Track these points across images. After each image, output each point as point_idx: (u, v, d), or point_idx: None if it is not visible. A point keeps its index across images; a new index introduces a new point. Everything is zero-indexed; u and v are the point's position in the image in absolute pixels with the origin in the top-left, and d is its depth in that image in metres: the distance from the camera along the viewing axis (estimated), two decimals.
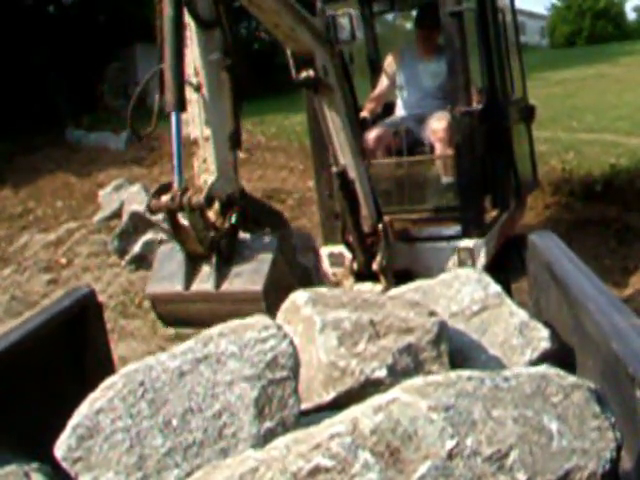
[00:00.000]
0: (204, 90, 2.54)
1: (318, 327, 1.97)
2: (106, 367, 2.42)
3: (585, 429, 1.38)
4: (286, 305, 2.22)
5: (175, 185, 2.40)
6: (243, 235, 2.55)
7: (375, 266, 3.96)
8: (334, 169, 3.68)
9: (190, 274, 2.49)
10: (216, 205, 2.45)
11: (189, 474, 1.55)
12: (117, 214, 7.70)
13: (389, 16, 6.48)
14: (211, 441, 1.60)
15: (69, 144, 13.45)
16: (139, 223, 6.53)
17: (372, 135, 4.66)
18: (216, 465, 1.51)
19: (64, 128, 14.17)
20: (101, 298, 3.11)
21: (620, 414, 1.50)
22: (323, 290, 2.28)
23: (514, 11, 5.54)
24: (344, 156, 3.74)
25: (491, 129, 4.64)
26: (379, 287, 3.86)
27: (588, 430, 1.38)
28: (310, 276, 2.93)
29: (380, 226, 4.00)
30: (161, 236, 6.30)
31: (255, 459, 1.39)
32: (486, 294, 2.28)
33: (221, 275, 2.46)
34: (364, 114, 4.81)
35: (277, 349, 1.69)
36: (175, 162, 2.47)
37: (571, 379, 1.48)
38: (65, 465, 1.59)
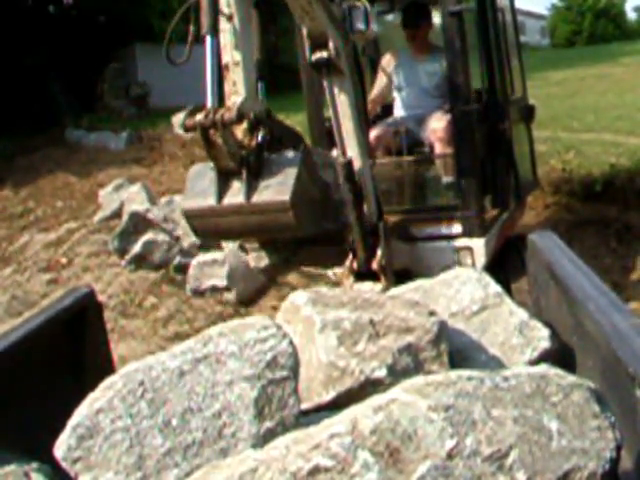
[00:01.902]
0: (235, 20, 2.77)
1: (318, 327, 1.97)
2: (106, 367, 2.42)
3: (585, 429, 1.38)
4: (286, 305, 2.22)
5: (208, 104, 2.61)
6: (268, 153, 2.72)
7: (375, 265, 3.94)
8: (340, 160, 3.65)
9: (222, 189, 2.66)
10: (244, 124, 2.62)
11: (189, 474, 1.55)
12: (117, 214, 7.70)
13: (390, 16, 6.48)
14: (211, 441, 1.60)
15: (69, 144, 13.44)
16: (139, 223, 6.53)
17: (371, 135, 4.66)
18: (216, 465, 1.51)
19: (64, 128, 14.16)
20: (101, 298, 3.11)
21: (620, 414, 1.50)
22: (323, 290, 2.28)
23: (514, 11, 5.54)
24: (351, 147, 3.73)
25: (491, 129, 4.64)
26: (379, 286, 3.85)
27: (588, 430, 1.38)
28: (329, 191, 3.04)
29: (381, 225, 3.99)
30: (161, 236, 6.31)
31: (255, 459, 1.39)
32: (486, 294, 2.28)
33: (251, 188, 2.62)
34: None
35: (277, 349, 1.69)
36: (209, 84, 2.71)
37: (571, 379, 1.48)
38: (65, 465, 1.59)
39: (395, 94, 4.94)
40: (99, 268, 6.61)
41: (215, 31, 2.73)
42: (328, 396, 1.90)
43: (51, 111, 14.97)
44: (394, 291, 2.46)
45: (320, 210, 2.86)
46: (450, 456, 1.32)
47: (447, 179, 4.54)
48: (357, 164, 3.72)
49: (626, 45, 25.46)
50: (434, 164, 4.54)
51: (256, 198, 2.61)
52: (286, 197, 2.56)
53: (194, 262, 5.88)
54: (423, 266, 4.34)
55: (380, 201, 4.06)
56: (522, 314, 2.22)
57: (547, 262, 2.41)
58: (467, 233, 4.30)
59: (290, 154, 2.69)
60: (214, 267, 5.74)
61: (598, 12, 37.04)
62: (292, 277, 6.04)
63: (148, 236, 6.31)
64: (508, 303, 2.26)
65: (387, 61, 4.95)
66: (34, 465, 1.77)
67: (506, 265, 4.46)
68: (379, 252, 3.94)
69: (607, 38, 33.56)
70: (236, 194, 2.64)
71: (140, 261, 6.26)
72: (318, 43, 3.47)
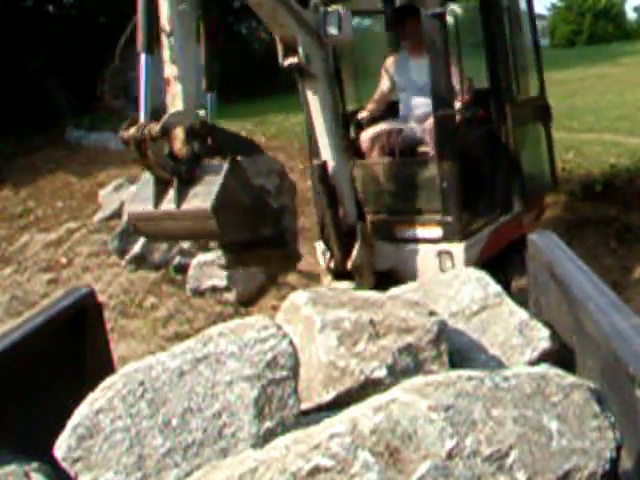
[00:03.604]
0: (174, 36, 2.94)
1: (318, 327, 1.97)
2: (106, 367, 2.42)
3: (585, 429, 1.38)
4: (286, 305, 2.22)
5: (141, 118, 2.84)
6: (207, 161, 2.92)
7: (349, 265, 4.01)
8: (315, 162, 3.80)
9: (158, 196, 2.86)
10: (181, 135, 2.81)
11: (189, 474, 1.55)
12: (117, 214, 7.69)
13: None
14: (211, 441, 1.60)
15: (69, 144, 13.42)
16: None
17: (367, 135, 4.68)
18: (216, 465, 1.51)
19: (64, 128, 14.15)
20: (101, 298, 3.11)
21: (620, 414, 1.50)
22: (323, 290, 2.28)
23: (531, 11, 5.36)
24: (325, 150, 3.82)
25: (490, 130, 4.61)
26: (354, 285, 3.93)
27: (588, 430, 1.38)
28: (267, 198, 3.19)
29: (358, 226, 4.02)
30: None
31: (255, 459, 1.39)
32: (486, 294, 2.28)
33: (181, 196, 2.81)
34: (363, 115, 4.81)
35: (277, 349, 1.69)
36: (142, 99, 2.91)
37: (571, 379, 1.48)
38: (65, 465, 1.59)
39: (398, 94, 4.96)
40: (99, 268, 6.61)
41: (149, 49, 2.94)
42: (328, 396, 1.89)
43: (51, 111, 14.96)
44: (394, 291, 2.46)
45: (253, 216, 3.01)
46: (450, 456, 1.32)
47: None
48: (332, 167, 3.81)
49: (626, 45, 25.48)
50: (425, 165, 4.46)
51: (185, 205, 2.80)
52: (208, 205, 2.73)
53: (194, 262, 5.88)
54: (407, 268, 4.37)
55: (361, 202, 4.14)
56: (522, 314, 2.22)
57: (547, 262, 2.41)
58: (447, 238, 4.26)
59: (218, 164, 2.86)
60: (214, 267, 5.74)
61: (598, 12, 37.05)
62: (292, 277, 6.04)
63: None
64: (508, 303, 2.26)
65: (389, 62, 4.96)
66: (34, 465, 1.77)
67: (506, 265, 4.45)
68: (354, 253, 3.97)
69: (607, 38, 33.56)
70: (169, 201, 2.84)
71: (140, 261, 6.26)
72: (289, 48, 3.58)
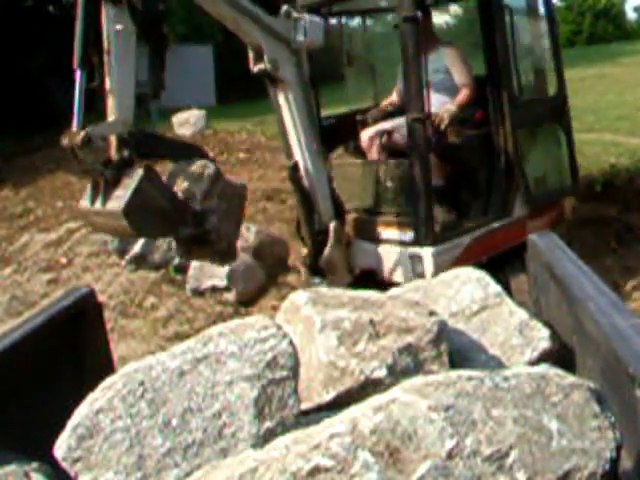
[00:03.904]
0: (111, 53, 3.25)
1: (318, 327, 1.97)
2: (106, 367, 2.42)
3: (585, 429, 1.38)
4: (286, 305, 2.22)
5: (73, 127, 3.25)
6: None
7: (320, 262, 4.13)
8: (288, 163, 4.00)
9: (94, 195, 3.22)
10: (114, 143, 3.25)
11: (189, 474, 1.55)
12: None
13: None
14: (211, 441, 1.60)
15: None
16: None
17: (367, 135, 4.70)
18: (216, 465, 1.51)
19: (64, 128, 14.14)
20: (101, 298, 3.12)
21: (620, 414, 1.50)
22: (323, 290, 2.28)
23: (550, 10, 5.17)
24: (297, 151, 3.98)
25: (487, 133, 4.53)
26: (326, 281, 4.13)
27: (588, 430, 1.38)
28: (184, 200, 3.47)
29: (332, 225, 4.09)
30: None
31: (255, 459, 1.39)
32: (486, 294, 2.28)
33: (106, 197, 3.16)
34: (374, 112, 4.81)
35: (277, 349, 1.69)
36: (75, 109, 3.30)
37: (571, 379, 1.48)
38: (65, 465, 1.59)
39: None
40: (99, 268, 6.61)
41: (83, 65, 3.24)
42: (328, 396, 1.89)
43: (51, 111, 14.95)
44: (394, 291, 2.46)
45: (171, 217, 3.33)
46: (450, 456, 1.32)
47: (436, 182, 4.53)
48: (304, 168, 3.98)
49: (626, 45, 25.47)
50: (399, 167, 4.45)
51: (107, 205, 3.16)
52: (120, 207, 3.09)
53: (194, 262, 5.88)
54: (385, 268, 4.42)
55: (339, 202, 4.22)
56: (522, 314, 2.22)
57: (547, 262, 2.41)
58: (417, 241, 4.27)
59: (133, 170, 3.20)
60: (214, 267, 5.74)
61: (598, 12, 37.03)
62: (292, 277, 6.04)
63: None
64: (508, 303, 2.26)
65: None
66: (34, 465, 1.77)
67: (506, 265, 4.44)
68: (325, 251, 4.10)
69: (607, 38, 33.54)
70: (99, 200, 3.20)
71: (140, 261, 6.26)
72: (259, 54, 3.77)
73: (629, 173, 7.13)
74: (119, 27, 3.25)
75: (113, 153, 3.22)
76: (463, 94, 4.55)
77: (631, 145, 8.25)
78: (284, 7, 3.86)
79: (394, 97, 5.06)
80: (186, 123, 11.14)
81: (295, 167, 4.02)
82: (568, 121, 5.15)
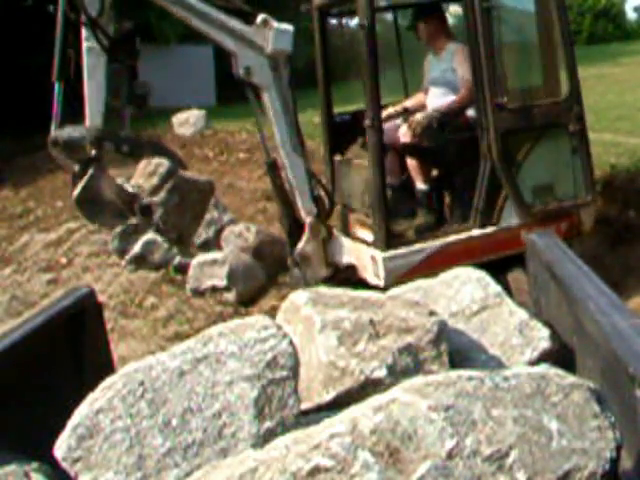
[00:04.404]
0: (85, 67, 3.98)
1: (318, 327, 1.97)
2: (106, 367, 2.42)
3: (585, 429, 1.38)
4: (286, 305, 2.22)
5: (51, 131, 4.07)
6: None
7: (294, 254, 4.37)
8: (266, 160, 4.34)
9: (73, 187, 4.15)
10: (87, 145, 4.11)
11: (189, 474, 1.55)
12: None
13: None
14: (211, 441, 1.59)
15: None
16: (139, 223, 6.52)
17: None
18: (216, 465, 1.51)
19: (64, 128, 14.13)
20: (101, 298, 3.12)
21: (620, 414, 1.50)
22: (323, 290, 2.28)
23: (561, 8, 4.72)
24: (277, 148, 4.27)
25: (470, 138, 4.41)
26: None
27: (588, 430, 1.38)
28: (132, 193, 4.37)
29: (309, 220, 4.22)
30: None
31: (255, 459, 1.39)
32: (486, 294, 2.28)
33: (74, 188, 4.02)
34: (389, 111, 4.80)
35: (277, 349, 1.69)
36: (54, 115, 4.06)
37: (571, 379, 1.48)
38: (65, 465, 1.59)
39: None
40: (99, 268, 6.61)
41: (61, 77, 4.10)
42: (328, 396, 1.89)
43: (51, 111, 14.96)
44: (394, 291, 2.46)
45: (120, 208, 4.06)
46: (450, 456, 1.32)
47: (420, 187, 4.54)
48: (283, 164, 4.27)
49: (626, 45, 25.46)
50: (365, 168, 4.47)
51: (72, 196, 4.09)
52: (74, 197, 4.03)
53: (194, 262, 5.87)
54: (360, 265, 4.53)
55: (327, 197, 4.44)
56: (522, 314, 2.22)
57: (547, 262, 2.41)
58: (374, 243, 4.34)
59: (90, 168, 3.99)
60: (214, 267, 5.74)
61: (598, 12, 37.01)
62: None
63: (148, 236, 6.30)
64: (508, 303, 2.26)
65: (426, 59, 5.04)
66: (34, 465, 1.77)
67: (506, 265, 4.41)
68: (299, 245, 4.33)
69: (607, 38, 33.52)
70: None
71: (140, 261, 6.25)
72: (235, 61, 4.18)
73: (629, 173, 7.13)
74: (89, 44, 3.95)
75: (87, 152, 4.02)
76: (460, 95, 4.53)
77: (631, 145, 8.24)
78: (261, 16, 4.16)
79: (414, 96, 5.10)
80: (186, 123, 11.13)
81: (273, 164, 4.32)
82: (581, 127, 4.77)
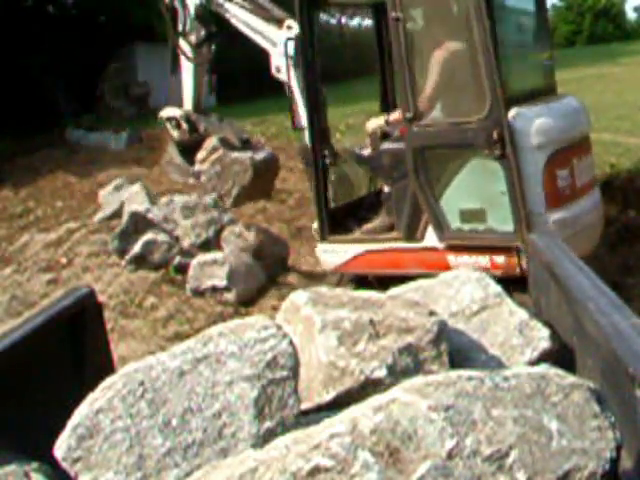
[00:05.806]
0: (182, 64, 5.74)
1: (318, 327, 1.97)
2: (106, 367, 2.42)
3: (585, 429, 1.38)
4: (286, 305, 2.22)
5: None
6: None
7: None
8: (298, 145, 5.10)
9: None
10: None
11: (189, 474, 1.55)
12: (117, 214, 7.69)
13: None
14: (211, 441, 1.60)
15: (69, 144, 13.43)
16: (139, 223, 6.53)
17: (369, 127, 4.90)
18: (216, 465, 1.51)
19: (64, 128, 14.16)
20: (101, 298, 3.11)
21: (620, 414, 1.50)
22: (323, 290, 2.28)
23: (549, 10, 4.41)
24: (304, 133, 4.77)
25: (394, 149, 4.44)
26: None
27: (588, 430, 1.38)
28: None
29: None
30: (161, 236, 6.31)
31: (255, 459, 1.39)
32: (486, 294, 2.28)
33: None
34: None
35: (277, 349, 1.69)
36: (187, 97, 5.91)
37: (571, 379, 1.48)
38: (65, 465, 1.59)
39: None
40: (99, 268, 6.61)
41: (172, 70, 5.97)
42: (328, 396, 1.89)
43: (51, 111, 14.97)
44: (394, 291, 2.46)
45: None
46: (450, 456, 1.32)
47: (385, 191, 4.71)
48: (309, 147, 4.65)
49: (626, 45, 25.48)
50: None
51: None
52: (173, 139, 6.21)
53: (194, 262, 5.88)
54: None
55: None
56: (522, 314, 2.22)
57: (547, 262, 2.41)
58: (315, 231, 4.79)
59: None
60: (214, 267, 5.74)
61: (598, 12, 37.05)
62: (292, 277, 6.04)
63: (148, 236, 6.30)
64: (508, 303, 2.26)
65: None
66: (34, 465, 1.77)
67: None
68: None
69: (607, 38, 33.56)
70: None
71: (140, 261, 6.25)
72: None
73: (629, 173, 7.13)
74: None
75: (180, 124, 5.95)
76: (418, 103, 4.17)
77: (631, 145, 8.25)
78: (287, 21, 4.73)
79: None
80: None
81: (304, 148, 4.80)
82: (501, 152, 3.83)
